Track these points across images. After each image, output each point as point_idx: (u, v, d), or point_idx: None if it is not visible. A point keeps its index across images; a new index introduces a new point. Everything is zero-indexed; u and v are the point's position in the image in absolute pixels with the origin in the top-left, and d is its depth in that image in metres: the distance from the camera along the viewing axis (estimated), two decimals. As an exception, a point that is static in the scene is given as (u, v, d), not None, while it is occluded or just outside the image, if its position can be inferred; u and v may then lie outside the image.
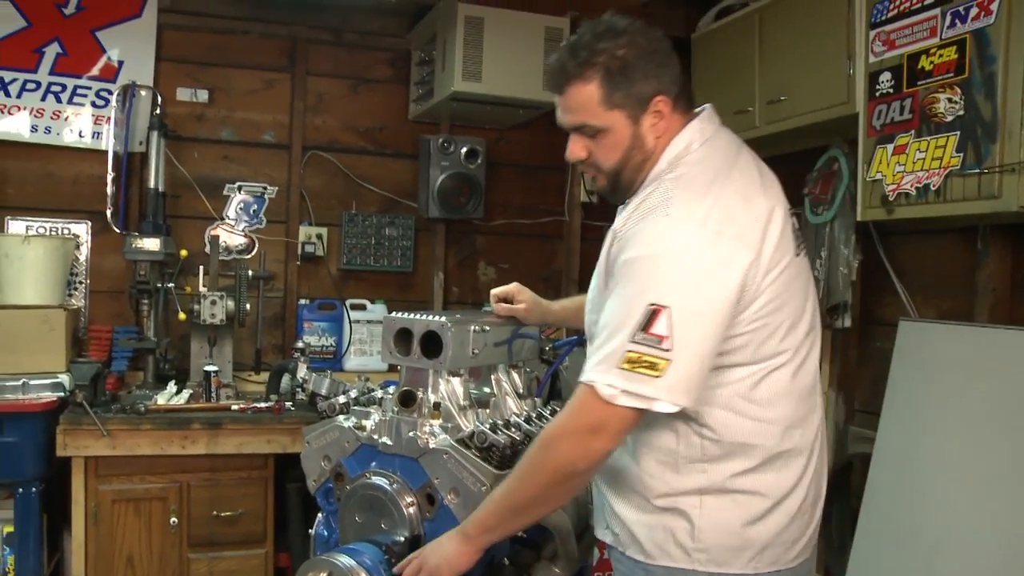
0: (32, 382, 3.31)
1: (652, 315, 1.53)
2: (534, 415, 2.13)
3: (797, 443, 1.71)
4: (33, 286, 3.61)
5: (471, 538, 1.74)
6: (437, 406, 1.95)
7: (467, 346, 2.03)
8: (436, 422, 1.94)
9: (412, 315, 2.02)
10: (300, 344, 3.69)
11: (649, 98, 1.72)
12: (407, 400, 1.96)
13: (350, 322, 4.21)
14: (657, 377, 1.52)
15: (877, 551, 2.97)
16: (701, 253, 1.57)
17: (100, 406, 3.32)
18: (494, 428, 1.93)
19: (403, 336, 2.02)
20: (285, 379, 3.67)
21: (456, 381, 2.02)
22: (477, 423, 1.96)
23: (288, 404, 3.54)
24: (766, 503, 1.68)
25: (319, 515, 2.15)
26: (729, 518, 1.66)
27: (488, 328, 2.10)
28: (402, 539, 1.88)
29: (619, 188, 1.79)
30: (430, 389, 1.98)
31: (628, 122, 1.73)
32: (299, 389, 3.57)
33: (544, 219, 4.56)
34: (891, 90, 2.73)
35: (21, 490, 3.25)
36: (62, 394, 3.33)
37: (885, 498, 2.99)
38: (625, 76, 1.70)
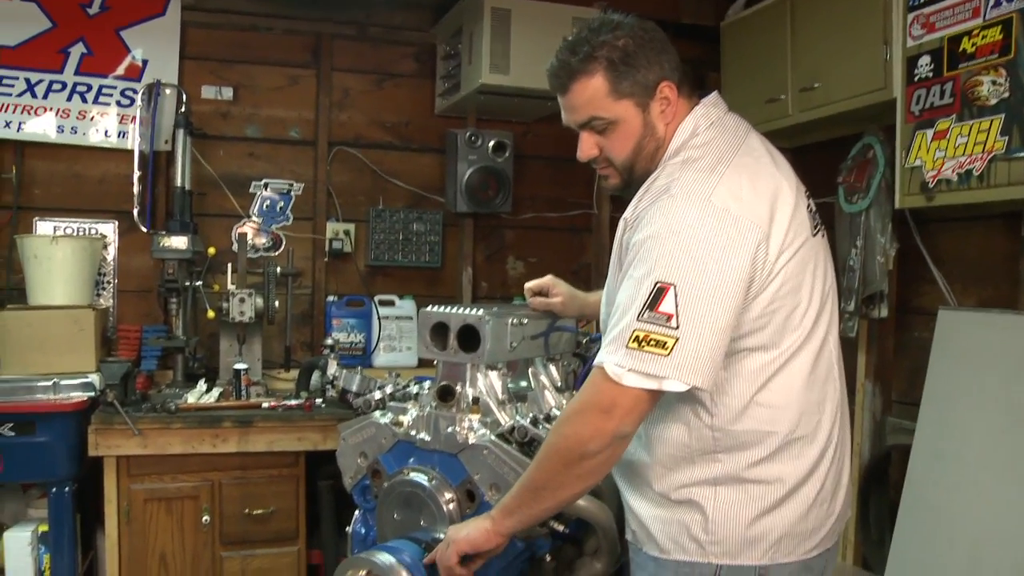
0: (63, 382, 3.31)
1: (659, 293, 1.51)
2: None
3: (813, 429, 1.68)
4: (62, 287, 3.61)
5: (494, 520, 1.71)
6: (476, 400, 1.91)
7: (505, 339, 2.00)
8: (475, 417, 1.90)
9: (448, 309, 1.99)
10: (329, 341, 3.65)
11: (655, 84, 1.71)
12: (445, 395, 1.93)
13: (379, 318, 4.19)
14: (665, 356, 1.50)
15: (917, 544, 2.93)
16: (707, 231, 1.54)
17: (130, 405, 3.32)
18: (534, 422, 1.90)
19: (439, 330, 1.99)
20: (315, 376, 3.65)
21: (494, 375, 1.99)
22: (516, 417, 1.93)
23: (319, 401, 3.52)
24: (781, 491, 1.65)
25: (356, 513, 2.12)
26: (743, 509, 1.64)
27: (526, 321, 2.06)
28: (441, 536, 1.84)
29: (633, 182, 1.78)
30: (468, 383, 1.95)
31: (637, 111, 1.72)
32: (329, 386, 3.54)
33: (573, 212, 4.53)
34: (930, 74, 2.67)
35: (55, 490, 3.25)
36: (92, 394, 3.33)
37: (925, 490, 2.94)
38: (629, 64, 1.70)
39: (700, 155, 1.67)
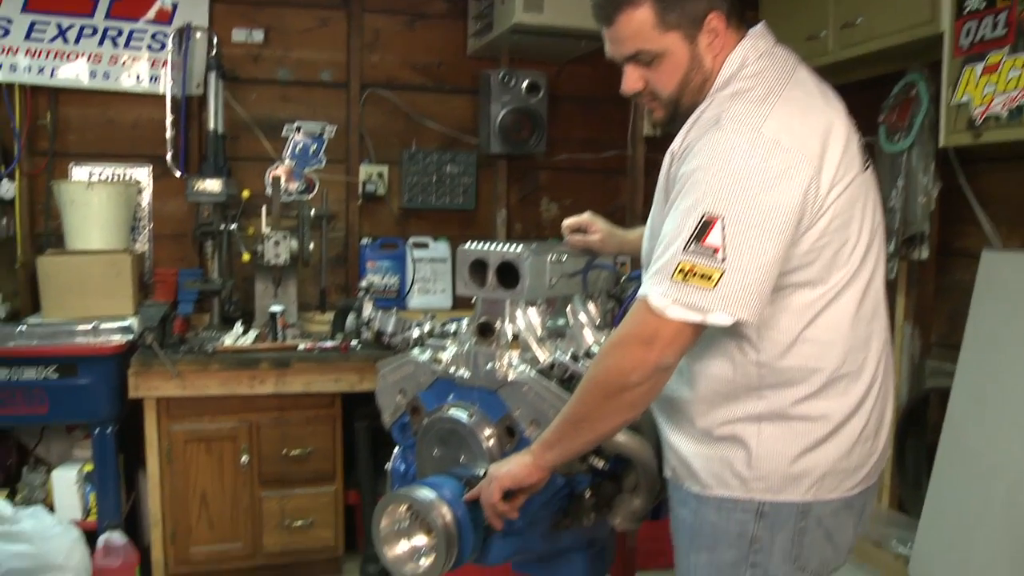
0: (102, 325, 3.35)
1: (706, 226, 1.48)
2: (613, 346, 2.07)
3: (859, 366, 1.65)
4: (98, 232, 3.65)
5: (535, 454, 1.71)
6: (515, 337, 1.90)
7: (544, 276, 1.98)
8: (514, 353, 1.89)
9: (487, 246, 1.97)
10: (364, 283, 3.66)
11: (702, 16, 1.65)
12: (485, 331, 1.92)
13: (413, 260, 4.20)
14: (711, 289, 1.47)
15: (955, 487, 2.91)
16: (757, 163, 1.50)
17: (168, 348, 3.36)
18: (574, 358, 1.89)
19: (478, 267, 1.97)
20: (350, 318, 3.65)
21: (533, 312, 1.98)
22: (556, 353, 1.92)
23: (354, 343, 3.54)
24: (826, 428, 1.63)
25: (395, 450, 2.13)
26: (788, 445, 1.62)
27: (565, 258, 2.04)
28: (481, 472, 1.84)
29: (678, 116, 1.72)
30: (507, 320, 1.94)
31: (685, 43, 1.66)
32: (364, 328, 3.55)
33: (607, 153, 4.48)
34: (982, 5, 2.59)
35: (97, 430, 3.33)
36: (131, 337, 3.37)
37: (964, 433, 2.91)
38: None
39: (750, 86, 1.62)
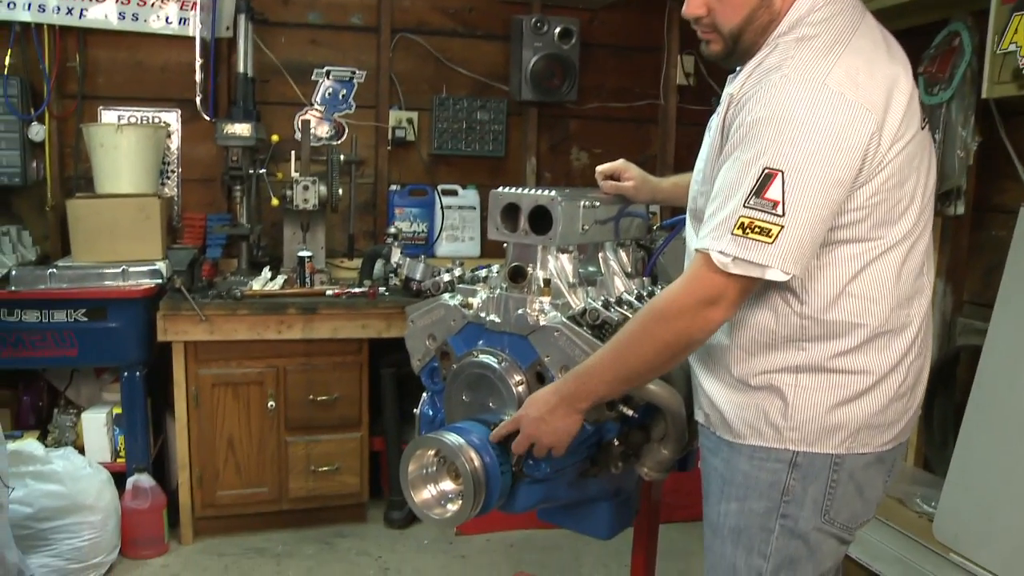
0: (131, 269, 3.37)
1: (766, 179, 1.45)
2: (645, 293, 2.05)
3: (902, 323, 1.63)
4: (128, 175, 3.64)
5: (580, 410, 1.71)
6: (547, 283, 1.88)
7: (576, 222, 1.95)
8: (546, 299, 1.87)
9: (520, 190, 1.95)
10: (392, 229, 3.67)
11: None
12: (516, 276, 1.90)
13: (442, 208, 4.19)
14: (770, 243, 1.46)
15: (983, 446, 2.87)
16: (820, 116, 1.46)
17: (197, 292, 3.37)
18: (606, 305, 1.87)
19: (510, 211, 1.94)
20: (378, 265, 3.67)
21: (565, 258, 1.95)
22: (588, 300, 1.90)
23: (382, 289, 3.53)
24: (864, 383, 1.61)
25: (424, 395, 2.12)
26: (825, 397, 1.60)
27: (598, 204, 2.01)
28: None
29: (736, 52, 1.67)
30: (539, 265, 1.91)
31: None
32: (392, 274, 3.57)
33: (639, 102, 4.43)
34: (1034, -52, 2.50)
35: (126, 374, 3.35)
36: (160, 281, 3.39)
37: (994, 392, 2.86)
38: None
39: (816, 33, 1.56)
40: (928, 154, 1.66)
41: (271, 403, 3.42)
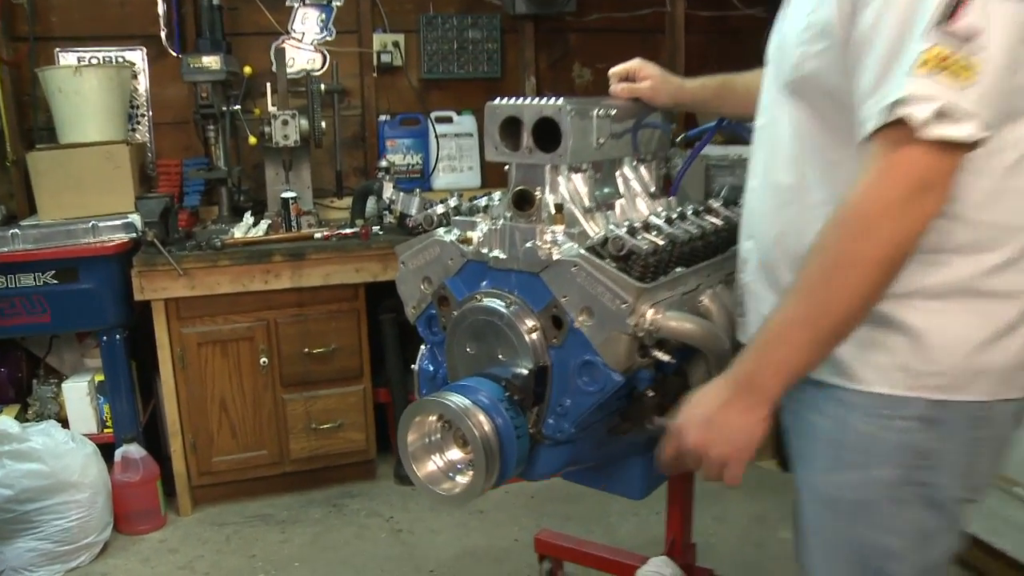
0: (102, 224, 3.18)
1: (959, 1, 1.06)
2: (674, 215, 1.73)
3: None
4: (92, 121, 3.41)
5: (768, 399, 1.28)
6: (559, 208, 1.58)
7: (590, 134, 1.65)
8: (558, 228, 1.57)
9: (522, 100, 1.63)
10: (383, 163, 3.46)
11: None
12: (522, 202, 1.59)
13: (436, 136, 3.97)
14: (970, 85, 1.06)
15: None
16: None
17: (173, 244, 3.17)
18: (631, 232, 1.56)
19: (511, 126, 1.63)
20: (370, 202, 3.45)
21: (578, 178, 1.65)
22: (610, 226, 1.60)
23: (376, 228, 3.33)
24: (1017, 309, 1.25)
25: (422, 348, 1.84)
26: (974, 330, 1.24)
27: (614, 111, 1.70)
28: (524, 371, 1.56)
29: None
30: (548, 189, 1.61)
31: None
32: (386, 212, 3.40)
33: (643, 11, 4.14)
34: None
35: (105, 337, 3.17)
36: (134, 235, 3.19)
37: None
38: None
39: None
40: None
41: (263, 359, 3.22)
